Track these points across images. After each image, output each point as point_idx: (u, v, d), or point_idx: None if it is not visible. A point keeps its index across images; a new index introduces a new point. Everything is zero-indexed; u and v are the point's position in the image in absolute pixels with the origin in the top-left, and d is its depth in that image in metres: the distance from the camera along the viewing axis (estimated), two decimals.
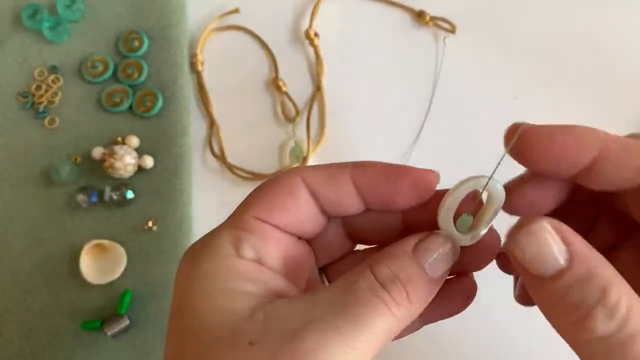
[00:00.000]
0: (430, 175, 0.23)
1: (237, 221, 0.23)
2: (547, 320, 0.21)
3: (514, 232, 0.20)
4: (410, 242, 0.22)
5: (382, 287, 0.21)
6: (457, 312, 0.25)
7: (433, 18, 0.45)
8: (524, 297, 0.26)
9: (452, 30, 0.44)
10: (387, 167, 0.23)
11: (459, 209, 0.22)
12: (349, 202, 0.24)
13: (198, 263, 0.22)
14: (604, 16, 0.46)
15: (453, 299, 0.25)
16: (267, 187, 0.23)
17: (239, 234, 0.22)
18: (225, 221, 0.23)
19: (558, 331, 0.20)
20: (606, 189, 0.22)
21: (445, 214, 0.22)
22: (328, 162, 0.44)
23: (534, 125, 0.22)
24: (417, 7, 0.45)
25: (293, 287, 0.23)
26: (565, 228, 0.20)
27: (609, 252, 0.25)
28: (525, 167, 0.23)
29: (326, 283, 0.27)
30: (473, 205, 0.23)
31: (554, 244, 0.20)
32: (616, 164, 0.21)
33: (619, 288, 0.19)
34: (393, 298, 0.21)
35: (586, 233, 0.25)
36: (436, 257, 0.22)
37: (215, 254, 0.22)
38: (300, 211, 0.23)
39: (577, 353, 0.20)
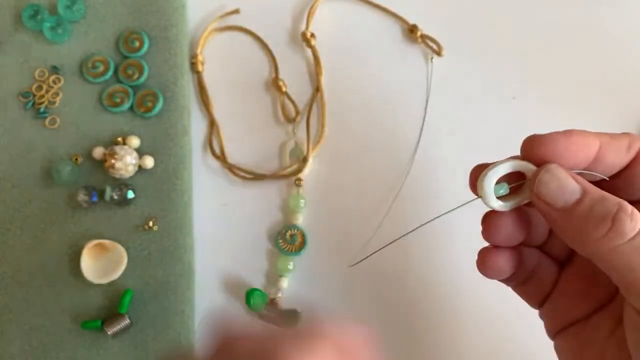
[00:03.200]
0: None
1: None
2: (577, 248, 0.24)
3: (535, 175, 0.24)
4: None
5: None
6: None
7: (424, 36, 0.45)
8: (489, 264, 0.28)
9: (439, 52, 0.44)
10: None
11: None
12: None
13: None
14: (603, 16, 0.46)
15: None
16: None
17: None
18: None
19: (591, 252, 0.24)
20: (609, 174, 0.26)
21: (490, 179, 0.26)
22: (328, 162, 0.44)
23: (548, 134, 0.25)
24: (411, 16, 0.46)
25: None
26: (571, 172, 0.24)
27: (560, 266, 0.29)
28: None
29: None
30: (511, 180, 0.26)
31: (569, 176, 0.24)
32: (613, 150, 0.25)
33: (627, 203, 0.23)
34: None
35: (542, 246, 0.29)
36: None
37: None
38: None
39: (611, 265, 0.23)
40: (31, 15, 0.43)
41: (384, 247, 0.29)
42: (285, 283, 0.41)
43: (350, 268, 0.41)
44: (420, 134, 0.44)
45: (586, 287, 0.27)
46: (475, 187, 0.27)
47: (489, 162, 0.27)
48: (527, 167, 0.25)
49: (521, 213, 0.27)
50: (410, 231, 0.28)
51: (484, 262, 0.27)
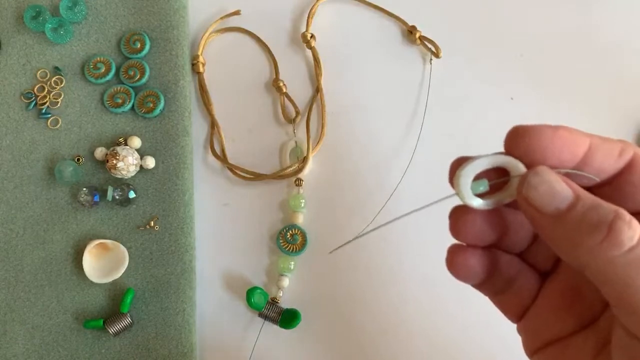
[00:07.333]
0: None
1: None
2: (567, 258, 0.22)
3: (523, 177, 0.22)
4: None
5: None
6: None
7: (422, 37, 0.45)
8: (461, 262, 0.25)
9: (437, 54, 0.44)
10: None
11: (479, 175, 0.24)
12: None
13: None
14: (600, 17, 0.46)
15: None
16: None
17: None
18: None
19: (583, 264, 0.21)
20: (599, 179, 0.23)
21: (467, 175, 0.24)
22: (328, 162, 0.44)
23: (533, 125, 0.23)
24: (411, 17, 0.46)
25: None
26: (562, 175, 0.22)
27: (542, 278, 0.27)
28: (531, 162, 0.23)
29: None
30: (492, 176, 0.24)
31: (560, 180, 0.22)
32: (603, 153, 0.22)
33: (624, 210, 0.21)
34: None
35: (522, 254, 0.27)
36: None
37: None
38: None
39: (605, 278, 0.21)
40: (33, 17, 0.43)
41: (358, 237, 0.27)
42: (286, 282, 0.41)
43: (350, 267, 0.42)
44: (419, 134, 0.44)
45: (569, 302, 0.25)
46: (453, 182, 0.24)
47: (470, 155, 0.25)
48: (510, 162, 0.23)
49: (494, 210, 0.24)
50: (374, 227, 0.26)
51: (452, 261, 0.25)
